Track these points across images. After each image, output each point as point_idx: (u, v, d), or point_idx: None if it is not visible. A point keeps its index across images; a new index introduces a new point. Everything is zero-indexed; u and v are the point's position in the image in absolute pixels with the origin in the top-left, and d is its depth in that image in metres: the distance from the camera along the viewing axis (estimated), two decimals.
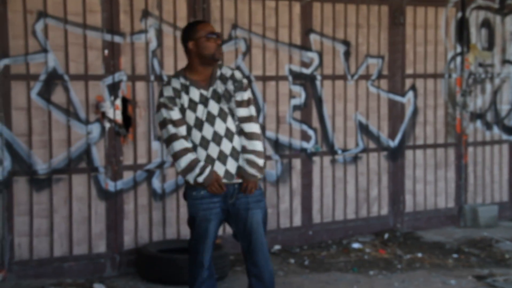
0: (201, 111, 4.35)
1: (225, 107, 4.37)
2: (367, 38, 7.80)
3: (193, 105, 4.35)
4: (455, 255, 7.03)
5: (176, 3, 6.65)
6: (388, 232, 7.82)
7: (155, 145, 6.61)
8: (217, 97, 4.38)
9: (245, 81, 4.50)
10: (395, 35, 7.96)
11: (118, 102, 6.36)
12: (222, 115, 4.35)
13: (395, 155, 8.05)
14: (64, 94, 6.14)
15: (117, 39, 6.35)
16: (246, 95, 4.45)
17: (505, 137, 8.94)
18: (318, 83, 7.43)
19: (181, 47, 6.39)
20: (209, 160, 4.37)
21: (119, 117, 6.37)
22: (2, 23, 5.86)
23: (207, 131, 4.34)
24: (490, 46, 8.75)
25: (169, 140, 4.34)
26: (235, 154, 4.41)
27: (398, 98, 8.04)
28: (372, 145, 7.89)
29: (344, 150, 7.65)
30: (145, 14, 6.47)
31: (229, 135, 4.38)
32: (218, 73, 4.45)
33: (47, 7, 6.04)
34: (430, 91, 8.27)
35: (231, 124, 4.37)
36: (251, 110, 4.45)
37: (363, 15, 7.74)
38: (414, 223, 8.18)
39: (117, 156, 6.39)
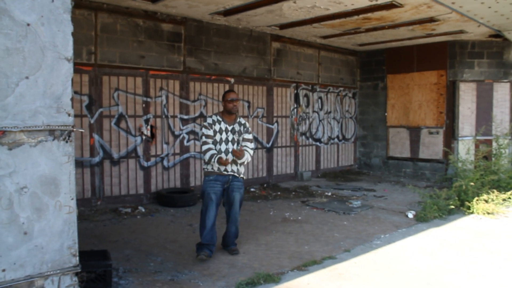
0: (224, 135, 4.01)
1: (235, 138, 4.05)
2: (257, 100, 7.90)
3: (221, 131, 4.01)
4: (293, 193, 7.26)
5: (174, 84, 6.65)
6: (265, 183, 8.01)
7: (165, 146, 6.57)
8: (233, 131, 4.04)
9: (250, 128, 4.17)
10: (269, 99, 8.10)
11: (149, 127, 6.39)
12: (232, 141, 4.04)
13: (269, 150, 8.15)
14: (125, 123, 6.20)
15: (148, 99, 6.39)
16: (251, 135, 4.14)
17: (313, 143, 9.10)
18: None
19: (176, 102, 6.50)
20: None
21: (149, 133, 6.39)
22: (99, 93, 5.93)
23: (223, 146, 3.99)
24: (308, 104, 8.96)
25: (203, 145, 3.99)
26: (234, 162, 4.00)
27: (270, 126, 8.19)
28: (259, 146, 7.95)
29: None
30: (161, 89, 6.50)
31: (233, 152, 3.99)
32: (238, 120, 4.12)
33: (119, 86, 6.10)
34: (283, 123, 8.42)
35: (235, 146, 4.04)
36: (251, 141, 4.12)
37: (256, 90, 7.86)
38: (277, 179, 8.26)
39: (148, 151, 6.41)
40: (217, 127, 4.05)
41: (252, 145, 4.15)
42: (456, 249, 4.37)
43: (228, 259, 3.99)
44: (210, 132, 4.03)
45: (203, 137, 4.03)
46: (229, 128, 4.07)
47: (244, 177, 4.22)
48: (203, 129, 4.06)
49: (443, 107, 8.95)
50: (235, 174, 4.05)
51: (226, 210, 4.16)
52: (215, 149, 4.01)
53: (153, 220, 5.41)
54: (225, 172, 4.00)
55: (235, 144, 4.07)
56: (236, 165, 4.07)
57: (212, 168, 4.01)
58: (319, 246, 4.37)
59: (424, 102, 9.21)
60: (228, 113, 4.09)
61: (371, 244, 4.47)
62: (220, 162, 3.91)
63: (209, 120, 4.07)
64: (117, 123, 6.19)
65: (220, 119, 4.08)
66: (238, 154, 3.96)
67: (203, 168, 4.11)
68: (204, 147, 3.99)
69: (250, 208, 6.15)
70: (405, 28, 7.62)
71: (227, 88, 7.46)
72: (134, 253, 4.11)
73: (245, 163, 4.07)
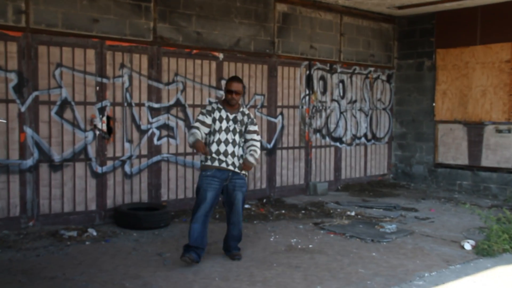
0: (224, 124, 4.77)
1: (237, 128, 4.83)
2: (255, 83, 7.95)
3: (221, 119, 4.78)
4: (303, 211, 7.27)
5: (141, 60, 6.68)
6: (265, 198, 8.02)
7: (127, 145, 6.60)
8: (235, 120, 4.82)
9: (255, 119, 5.01)
10: (271, 82, 8.16)
11: (104, 118, 6.40)
12: (234, 131, 4.80)
13: (271, 153, 8.21)
14: (71, 113, 6.17)
15: (104, 80, 6.39)
16: (256, 127, 4.97)
17: (332, 143, 9.20)
18: None
19: (143, 85, 6.56)
20: (219, 152, 4.74)
21: (104, 128, 6.41)
22: (34, 70, 5.88)
23: (223, 136, 4.75)
24: (324, 91, 9.02)
25: (191, 128, 4.80)
26: (234, 154, 4.77)
27: (272, 119, 8.23)
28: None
29: None
30: (122, 66, 6.52)
31: (234, 143, 4.79)
32: (241, 109, 4.91)
33: (62, 60, 6.08)
34: (291, 116, 8.50)
35: (237, 137, 4.82)
36: (258, 133, 4.96)
37: (253, 70, 7.91)
38: (281, 193, 8.33)
39: (103, 151, 6.41)
40: (216, 114, 4.83)
41: (258, 137, 4.99)
42: None
43: None
44: (207, 120, 4.81)
45: (196, 123, 4.81)
46: (231, 116, 4.86)
47: (247, 174, 4.96)
48: (200, 115, 4.85)
49: None
50: (236, 170, 4.80)
51: (226, 212, 4.90)
52: (214, 140, 4.77)
53: (108, 248, 5.41)
54: (225, 166, 4.73)
55: (236, 134, 4.83)
56: (238, 158, 4.83)
57: (210, 161, 4.75)
58: (337, 286, 4.32)
59: (490, 87, 9.10)
60: (228, 104, 4.87)
61: (410, 285, 4.41)
62: (197, 146, 4.62)
63: (208, 107, 4.88)
64: (60, 112, 6.16)
65: (221, 107, 4.87)
66: (247, 168, 4.86)
67: (200, 161, 4.87)
68: (192, 130, 4.74)
69: (244, 231, 6.07)
70: None
71: (213, 66, 7.51)
72: None
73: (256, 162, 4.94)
